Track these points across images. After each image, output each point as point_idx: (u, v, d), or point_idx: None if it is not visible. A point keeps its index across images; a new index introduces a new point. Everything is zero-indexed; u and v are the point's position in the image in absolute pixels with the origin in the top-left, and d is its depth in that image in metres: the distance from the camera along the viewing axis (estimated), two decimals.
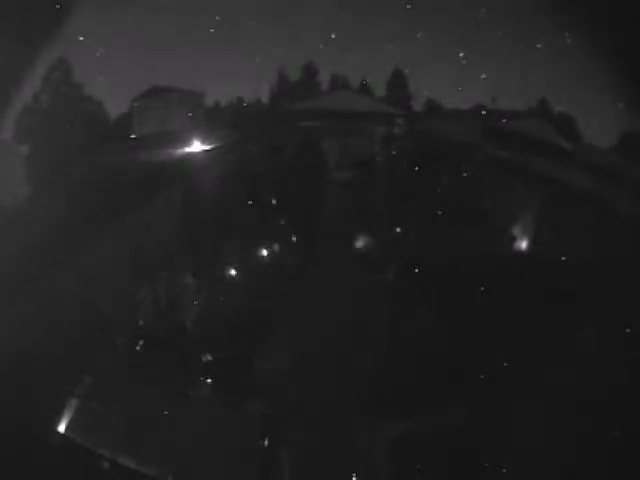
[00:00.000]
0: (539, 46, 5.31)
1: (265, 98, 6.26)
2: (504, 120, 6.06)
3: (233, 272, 5.50)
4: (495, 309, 4.87)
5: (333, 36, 5.34)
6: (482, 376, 4.66)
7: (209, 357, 5.10)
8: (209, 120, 6.24)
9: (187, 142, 6.08)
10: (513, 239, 5.59)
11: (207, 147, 6.10)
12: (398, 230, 5.71)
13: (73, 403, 4.74)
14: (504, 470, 4.34)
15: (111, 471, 4.45)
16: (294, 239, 5.69)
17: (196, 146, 6.08)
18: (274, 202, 5.81)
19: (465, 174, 5.98)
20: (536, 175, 5.79)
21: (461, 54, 5.25)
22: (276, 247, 5.63)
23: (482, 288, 5.01)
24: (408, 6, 5.54)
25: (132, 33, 5.61)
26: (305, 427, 4.61)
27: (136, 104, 6.19)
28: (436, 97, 6.19)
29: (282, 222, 5.74)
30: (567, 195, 5.61)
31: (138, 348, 5.11)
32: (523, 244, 5.58)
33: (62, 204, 5.56)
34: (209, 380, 5.03)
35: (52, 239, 5.27)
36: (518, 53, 5.44)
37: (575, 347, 4.76)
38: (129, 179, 5.81)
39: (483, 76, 5.15)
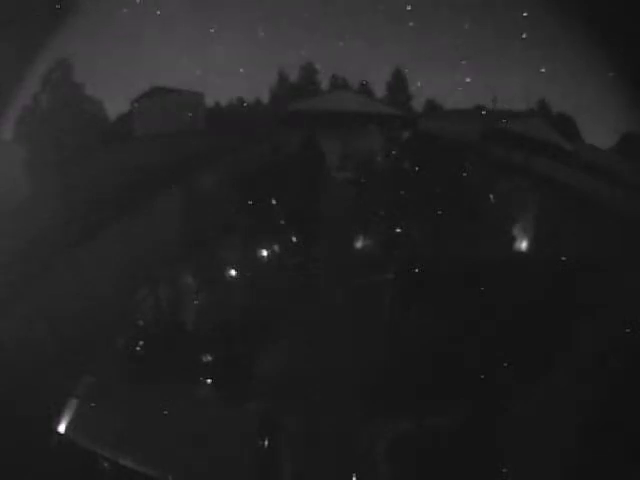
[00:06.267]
0: (538, 46, 5.31)
1: (265, 98, 6.25)
2: (504, 120, 6.05)
3: (233, 272, 5.49)
4: (495, 309, 4.87)
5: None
6: (482, 376, 4.66)
7: (209, 357, 5.10)
8: (209, 120, 6.23)
9: (187, 142, 6.07)
10: (513, 239, 5.59)
11: (207, 147, 6.10)
12: (398, 230, 5.71)
13: (73, 403, 4.75)
14: (504, 470, 4.35)
15: (111, 471, 4.45)
16: (294, 239, 5.69)
17: (196, 146, 6.08)
18: (274, 202, 5.81)
19: (465, 174, 5.98)
20: (536, 175, 5.79)
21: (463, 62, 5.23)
22: (276, 247, 5.63)
23: (482, 288, 5.01)
24: (408, 7, 5.54)
25: (132, 33, 5.61)
26: (305, 427, 4.61)
27: (136, 104, 6.19)
28: (436, 97, 6.19)
29: (282, 222, 5.73)
30: (567, 195, 5.61)
31: (138, 348, 5.11)
32: (523, 244, 5.58)
33: (62, 204, 5.56)
34: (209, 380, 5.03)
35: (52, 239, 5.27)
36: (519, 53, 5.43)
37: (575, 346, 4.76)
38: (129, 179, 5.81)
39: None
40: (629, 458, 4.07)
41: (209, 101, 6.24)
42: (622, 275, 4.75)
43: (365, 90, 6.33)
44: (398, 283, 5.24)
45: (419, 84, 6.00)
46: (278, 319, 5.19)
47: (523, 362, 4.62)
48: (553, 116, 5.85)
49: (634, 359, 4.39)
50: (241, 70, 5.86)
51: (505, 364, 4.71)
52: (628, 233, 4.92)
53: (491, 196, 5.82)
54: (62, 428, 4.67)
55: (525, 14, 5.20)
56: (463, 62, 5.59)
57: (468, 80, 5.61)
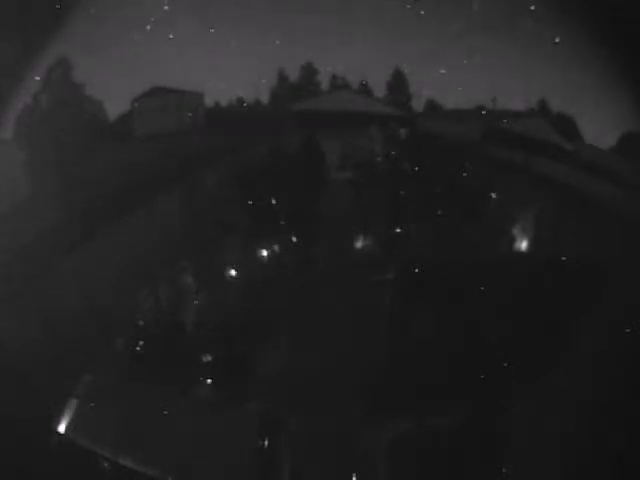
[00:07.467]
0: (537, 47, 5.31)
1: (265, 98, 6.25)
2: (505, 120, 6.06)
3: (233, 272, 5.50)
4: (495, 309, 4.87)
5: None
6: (482, 376, 4.66)
7: (209, 357, 5.10)
8: (209, 120, 6.23)
9: (187, 142, 6.07)
10: (513, 239, 5.59)
11: (207, 147, 6.10)
12: (398, 230, 5.71)
13: (73, 403, 4.75)
14: (504, 470, 4.35)
15: (111, 471, 4.45)
16: (294, 239, 5.69)
17: (196, 146, 6.07)
18: (274, 202, 5.81)
19: (465, 174, 5.98)
20: (536, 175, 5.80)
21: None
22: (276, 247, 5.63)
23: (482, 288, 5.01)
24: (408, 6, 5.54)
25: (132, 33, 5.61)
26: (305, 427, 4.61)
27: (136, 104, 6.19)
28: (436, 97, 6.19)
29: (282, 222, 5.74)
30: (567, 195, 5.61)
31: (138, 348, 5.11)
32: (523, 244, 5.58)
33: (62, 204, 5.56)
34: (209, 380, 5.03)
35: (52, 239, 5.27)
36: (519, 52, 5.43)
37: (575, 346, 4.76)
38: (129, 179, 5.81)
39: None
40: (629, 458, 4.07)
41: (209, 101, 6.24)
42: (622, 275, 4.75)
43: (365, 90, 6.33)
44: (398, 283, 5.24)
45: (419, 83, 6.00)
46: (278, 319, 5.19)
47: (523, 362, 4.61)
48: (553, 116, 5.86)
49: (634, 359, 4.39)
50: (241, 70, 5.87)
51: (505, 364, 4.70)
52: (628, 233, 4.92)
53: (491, 196, 5.82)
54: (62, 428, 4.66)
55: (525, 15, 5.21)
56: (465, 62, 5.59)
57: (468, 80, 5.61)
